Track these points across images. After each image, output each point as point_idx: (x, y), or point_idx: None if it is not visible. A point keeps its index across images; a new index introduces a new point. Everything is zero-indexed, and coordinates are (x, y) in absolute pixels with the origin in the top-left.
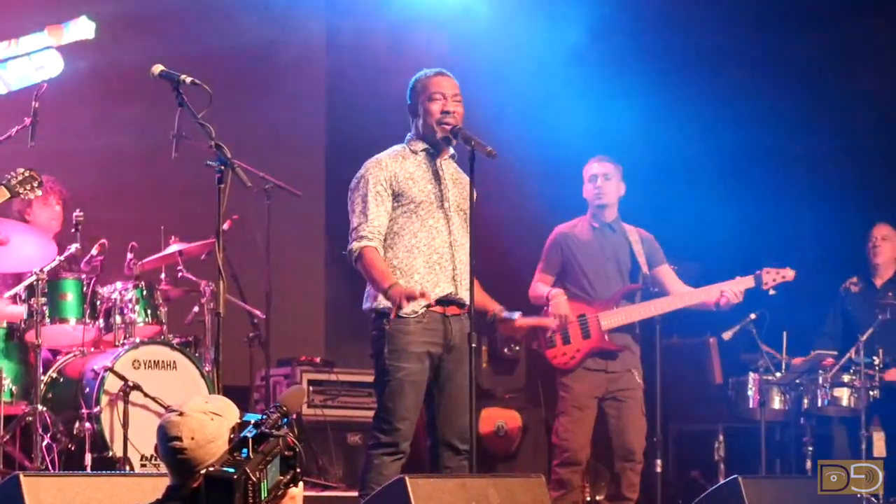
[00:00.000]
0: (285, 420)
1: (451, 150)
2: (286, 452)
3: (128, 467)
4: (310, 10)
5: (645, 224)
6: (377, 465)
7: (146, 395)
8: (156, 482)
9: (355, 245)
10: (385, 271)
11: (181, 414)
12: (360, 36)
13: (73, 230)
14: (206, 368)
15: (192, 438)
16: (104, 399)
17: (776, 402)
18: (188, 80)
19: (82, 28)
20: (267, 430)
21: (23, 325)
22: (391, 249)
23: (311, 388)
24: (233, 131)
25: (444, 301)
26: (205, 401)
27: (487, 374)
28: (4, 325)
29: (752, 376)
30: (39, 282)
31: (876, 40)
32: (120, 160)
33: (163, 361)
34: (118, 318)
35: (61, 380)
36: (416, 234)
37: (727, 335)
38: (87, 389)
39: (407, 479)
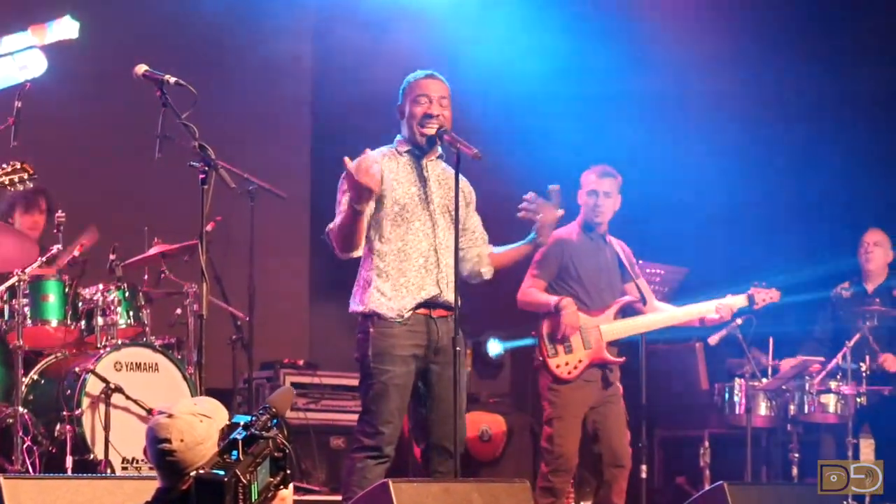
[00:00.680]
0: (275, 421)
1: (439, 151)
2: (276, 454)
3: (109, 470)
4: (296, 10)
5: (636, 224)
6: (360, 469)
7: (128, 397)
8: (137, 485)
9: (331, 224)
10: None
11: (170, 416)
12: (347, 36)
13: (55, 231)
14: (189, 371)
15: (182, 440)
16: (86, 401)
17: (762, 409)
18: (172, 80)
19: (66, 27)
20: (257, 432)
21: (4, 327)
22: (378, 255)
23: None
24: (217, 132)
25: (431, 303)
26: (193, 402)
27: (472, 379)
28: None
29: (738, 382)
30: (21, 283)
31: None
32: (103, 160)
33: (145, 364)
34: (100, 320)
35: (42, 382)
36: (402, 238)
37: (713, 340)
38: (69, 391)
39: (390, 482)
